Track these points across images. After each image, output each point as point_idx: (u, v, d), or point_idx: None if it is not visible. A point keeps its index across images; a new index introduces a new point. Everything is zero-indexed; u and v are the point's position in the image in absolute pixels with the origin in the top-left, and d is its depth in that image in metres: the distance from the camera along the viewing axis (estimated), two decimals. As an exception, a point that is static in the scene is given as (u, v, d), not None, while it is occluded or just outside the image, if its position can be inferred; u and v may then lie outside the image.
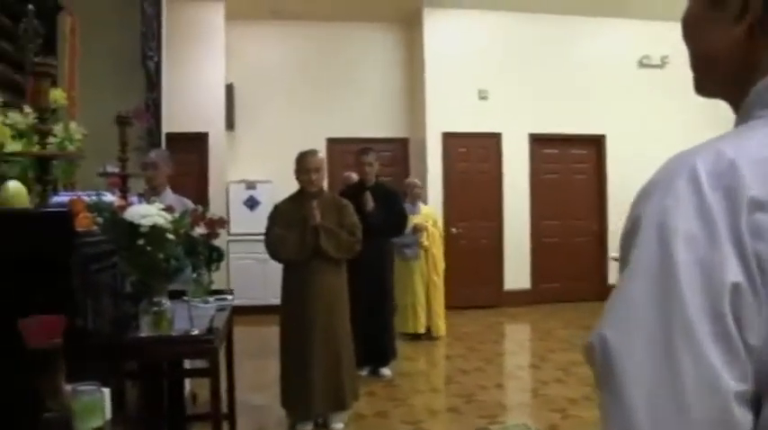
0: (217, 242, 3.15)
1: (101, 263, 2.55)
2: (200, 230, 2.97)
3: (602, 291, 9.66)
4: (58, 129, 2.93)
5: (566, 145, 10.28)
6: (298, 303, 4.62)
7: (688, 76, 0.84)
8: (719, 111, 1.28)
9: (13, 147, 2.62)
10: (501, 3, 9.66)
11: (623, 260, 0.69)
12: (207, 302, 3.44)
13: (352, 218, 4.78)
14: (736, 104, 0.78)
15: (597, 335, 0.66)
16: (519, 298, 9.84)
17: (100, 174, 3.56)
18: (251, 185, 9.57)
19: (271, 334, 5.46)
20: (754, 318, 0.61)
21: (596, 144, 10.35)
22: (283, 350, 4.73)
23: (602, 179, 10.35)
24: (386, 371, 6.18)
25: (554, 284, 10.09)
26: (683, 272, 0.62)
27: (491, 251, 9.94)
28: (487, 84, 9.86)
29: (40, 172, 2.51)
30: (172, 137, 6.23)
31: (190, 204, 4.31)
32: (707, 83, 0.82)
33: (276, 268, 4.93)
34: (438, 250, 7.80)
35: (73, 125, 3.12)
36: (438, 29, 9.83)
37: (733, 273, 0.61)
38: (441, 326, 7.76)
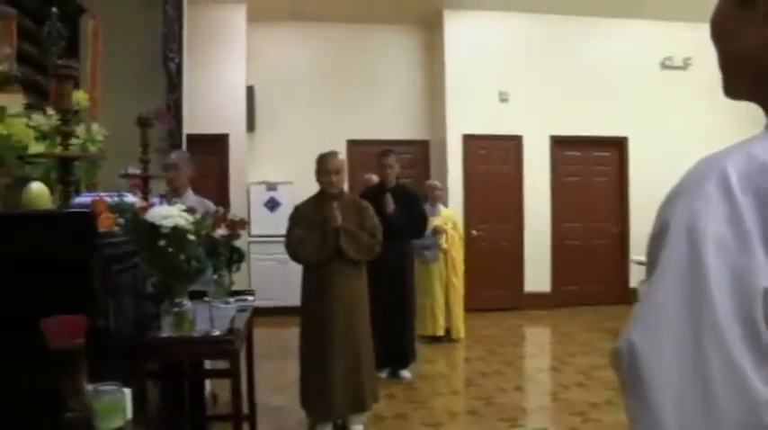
0: (238, 243, 3.15)
1: (122, 263, 2.56)
2: (221, 231, 2.98)
3: (622, 294, 9.61)
4: (80, 130, 2.95)
5: (587, 147, 10.20)
6: (318, 305, 4.62)
7: (712, 78, 0.82)
8: (747, 112, 1.26)
9: (37, 148, 2.65)
10: (521, 4, 9.62)
11: (651, 263, 0.68)
12: (228, 303, 3.44)
13: (372, 219, 4.77)
14: (766, 106, 0.76)
15: (625, 340, 0.65)
16: (539, 300, 9.78)
17: (121, 175, 3.58)
18: (272, 187, 9.59)
19: (291, 335, 5.46)
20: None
21: (618, 146, 10.27)
22: (303, 351, 4.73)
23: (623, 181, 10.26)
24: (406, 374, 6.17)
25: (574, 287, 10.02)
26: (714, 274, 0.61)
27: (511, 253, 9.89)
28: (508, 85, 9.82)
29: (63, 173, 2.52)
30: (193, 138, 6.27)
31: (211, 206, 4.32)
32: (736, 84, 0.81)
33: (297, 269, 4.93)
34: (458, 252, 7.77)
35: (95, 126, 3.14)
36: (458, 30, 9.79)
37: (765, 278, 0.60)
38: (460, 328, 7.74)
